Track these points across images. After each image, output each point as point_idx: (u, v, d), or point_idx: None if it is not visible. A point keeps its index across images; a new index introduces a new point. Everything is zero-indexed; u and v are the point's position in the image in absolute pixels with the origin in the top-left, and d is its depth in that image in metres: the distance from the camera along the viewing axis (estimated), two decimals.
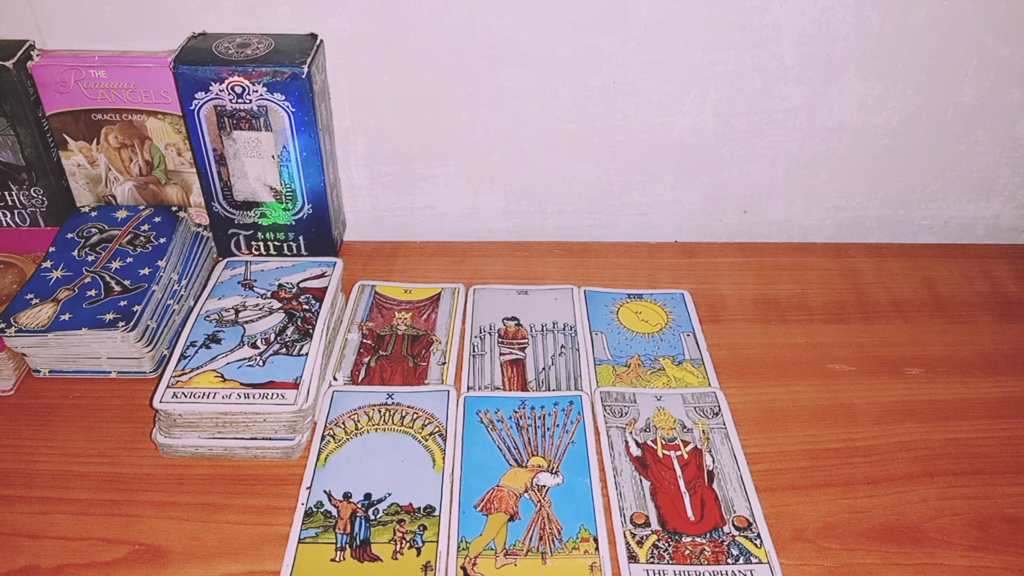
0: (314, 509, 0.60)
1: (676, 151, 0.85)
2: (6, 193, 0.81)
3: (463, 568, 0.56)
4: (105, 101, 0.77)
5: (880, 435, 0.67)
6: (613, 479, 0.62)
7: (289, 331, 0.69)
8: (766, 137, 0.84)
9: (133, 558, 0.58)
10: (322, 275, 0.75)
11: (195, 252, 0.79)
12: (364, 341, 0.74)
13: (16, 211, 0.82)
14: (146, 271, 0.73)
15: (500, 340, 0.75)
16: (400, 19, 0.77)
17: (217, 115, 0.74)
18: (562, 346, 0.74)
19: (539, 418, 0.66)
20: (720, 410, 0.68)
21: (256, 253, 0.83)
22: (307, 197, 0.79)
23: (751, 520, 0.59)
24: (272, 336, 0.68)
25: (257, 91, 0.72)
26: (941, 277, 0.84)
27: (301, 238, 0.82)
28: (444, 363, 0.72)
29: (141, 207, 0.80)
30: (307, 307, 0.71)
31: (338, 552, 0.57)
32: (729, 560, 0.57)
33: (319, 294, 0.72)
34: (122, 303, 0.70)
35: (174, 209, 0.80)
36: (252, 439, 0.64)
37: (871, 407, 0.69)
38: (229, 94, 0.73)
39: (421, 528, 0.58)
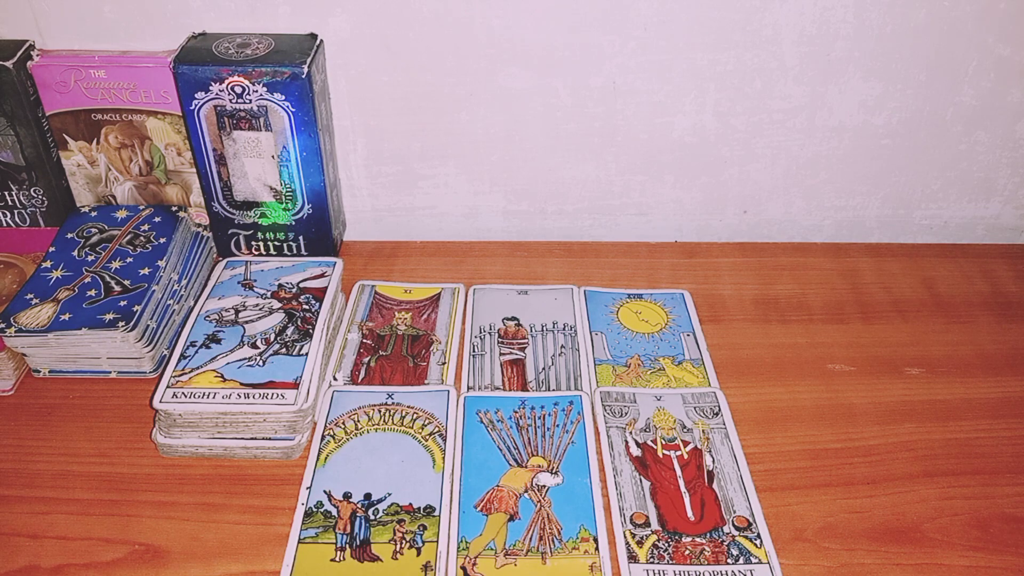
0: (314, 509, 0.60)
1: (676, 151, 0.85)
2: (6, 193, 0.81)
3: (463, 568, 0.56)
4: (105, 101, 0.77)
5: (880, 435, 0.67)
6: (613, 479, 0.62)
7: (289, 331, 0.69)
8: (766, 137, 0.84)
9: (133, 558, 0.58)
10: (322, 275, 0.75)
11: (195, 252, 0.79)
12: (364, 341, 0.74)
13: (16, 211, 0.82)
14: (146, 271, 0.73)
15: (500, 340, 0.75)
16: (400, 19, 0.77)
17: (217, 115, 0.74)
18: (562, 346, 0.74)
19: (539, 418, 0.66)
20: (720, 410, 0.68)
21: (256, 253, 0.83)
22: (307, 197, 0.79)
23: (751, 520, 0.59)
24: (272, 336, 0.68)
25: (257, 91, 0.72)
26: (941, 277, 0.84)
27: (301, 238, 0.82)
28: (444, 363, 0.72)
29: (141, 207, 0.80)
30: (307, 307, 0.71)
31: (338, 552, 0.57)
32: (729, 560, 0.57)
33: (319, 294, 0.72)
34: (122, 303, 0.70)
35: (174, 209, 0.80)
36: (252, 439, 0.64)
37: (871, 407, 0.69)
38: (229, 94, 0.73)
39: (421, 528, 0.58)
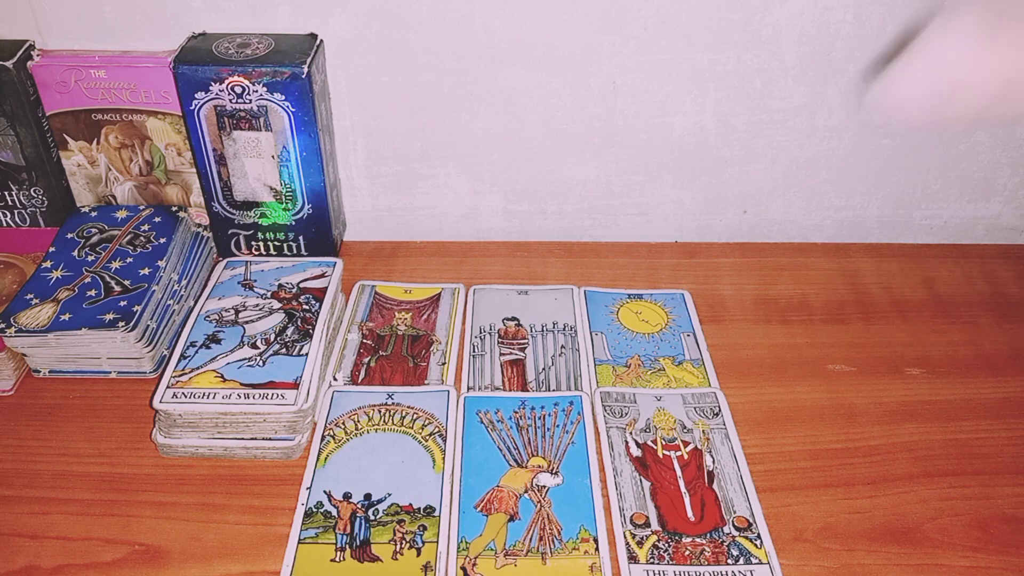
0: (314, 509, 0.60)
1: (676, 151, 0.85)
2: (6, 193, 0.81)
3: (463, 568, 0.56)
4: (105, 101, 0.77)
5: (880, 435, 0.67)
6: (613, 479, 0.62)
7: (289, 331, 0.69)
8: (766, 137, 0.84)
9: (133, 558, 0.58)
10: (322, 275, 0.75)
11: (195, 252, 0.79)
12: (364, 341, 0.74)
13: (16, 211, 0.82)
14: (146, 271, 0.73)
15: (500, 340, 0.75)
16: (400, 19, 0.77)
17: (217, 115, 0.74)
18: (562, 346, 0.74)
19: (539, 418, 0.66)
20: (720, 410, 0.68)
21: (256, 253, 0.83)
22: (307, 197, 0.79)
23: (751, 520, 0.59)
24: (272, 336, 0.68)
25: (257, 91, 0.72)
26: (941, 277, 0.84)
27: (301, 238, 0.82)
28: (444, 363, 0.72)
29: (141, 207, 0.80)
30: (307, 307, 0.71)
31: (338, 552, 0.57)
32: (729, 560, 0.57)
33: (319, 294, 0.72)
34: (122, 303, 0.70)
35: (174, 209, 0.80)
36: (252, 439, 0.64)
37: (871, 407, 0.69)
38: (229, 94, 0.73)
39: (421, 528, 0.58)
